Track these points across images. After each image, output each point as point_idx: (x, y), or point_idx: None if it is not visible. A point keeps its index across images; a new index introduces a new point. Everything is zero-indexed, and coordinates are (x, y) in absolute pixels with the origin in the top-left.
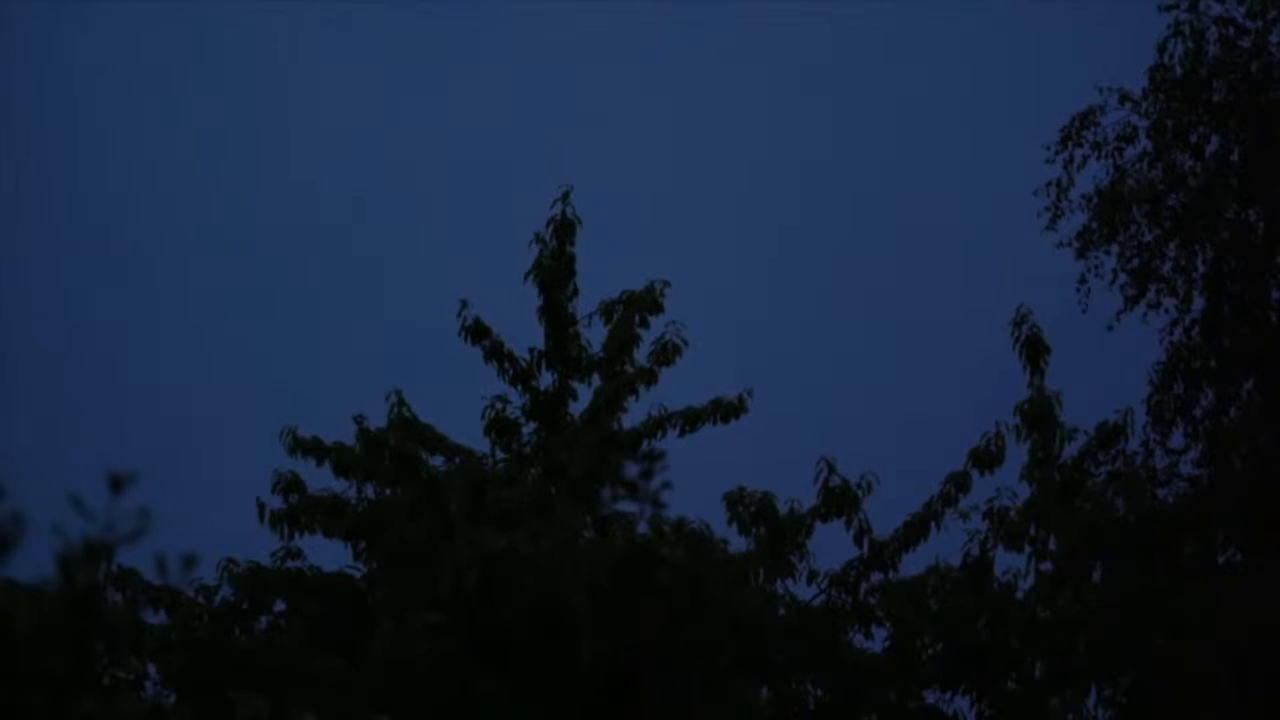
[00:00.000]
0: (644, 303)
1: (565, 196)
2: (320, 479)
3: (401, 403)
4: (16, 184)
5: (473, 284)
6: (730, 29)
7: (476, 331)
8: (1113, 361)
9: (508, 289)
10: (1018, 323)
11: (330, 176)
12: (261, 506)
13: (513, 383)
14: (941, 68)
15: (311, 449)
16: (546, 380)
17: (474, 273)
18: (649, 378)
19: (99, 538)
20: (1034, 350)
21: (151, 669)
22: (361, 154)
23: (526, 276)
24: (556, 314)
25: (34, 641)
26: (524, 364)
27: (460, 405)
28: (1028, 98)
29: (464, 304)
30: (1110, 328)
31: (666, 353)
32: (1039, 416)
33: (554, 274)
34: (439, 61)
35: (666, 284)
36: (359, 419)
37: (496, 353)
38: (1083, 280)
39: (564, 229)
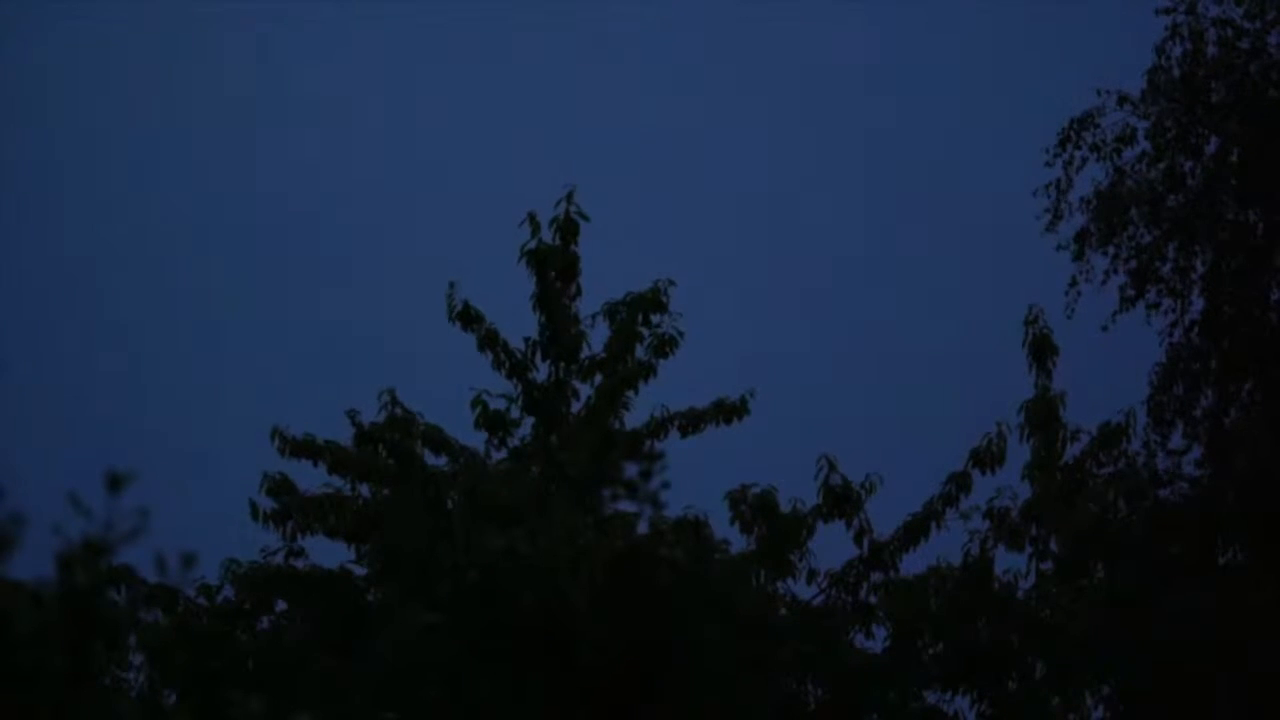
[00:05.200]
0: (648, 303)
1: (569, 196)
2: (317, 478)
3: (394, 401)
4: (15, 184)
5: (473, 284)
6: (730, 29)
7: (466, 317)
8: (1112, 363)
9: (508, 289)
10: (1029, 322)
11: (329, 174)
12: (255, 507)
13: (509, 375)
14: (941, 69)
15: (303, 449)
16: (543, 373)
17: (474, 273)
18: (647, 371)
19: (98, 537)
20: (1041, 350)
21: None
22: (361, 152)
23: (521, 259)
24: (551, 299)
25: (34, 641)
26: (519, 355)
27: (461, 408)
28: (1027, 99)
29: (452, 285)
30: (1105, 328)
31: (664, 345)
32: (1044, 417)
33: (548, 257)
34: (439, 58)
35: (671, 282)
36: (352, 413)
37: (490, 341)
38: (1073, 283)
39: (568, 228)
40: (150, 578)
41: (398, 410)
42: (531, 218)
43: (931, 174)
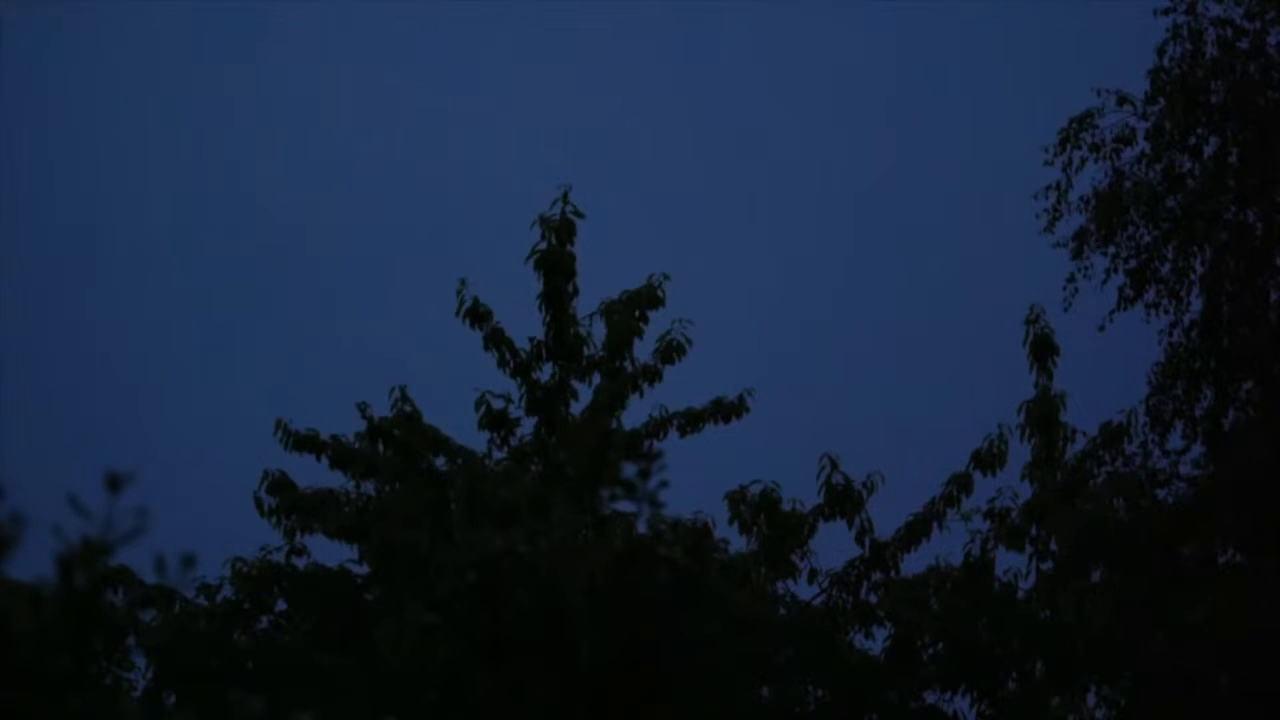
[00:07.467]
0: (644, 299)
1: (565, 197)
2: (318, 475)
3: (405, 399)
4: (9, 183)
5: (473, 285)
6: (730, 28)
7: (475, 314)
8: (1112, 363)
9: (509, 290)
10: (1029, 322)
11: (329, 175)
12: (259, 502)
13: (513, 375)
14: (942, 69)
15: (307, 443)
16: (546, 373)
17: (473, 274)
18: (653, 375)
19: (98, 537)
20: (1042, 350)
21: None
22: (361, 152)
23: (529, 260)
24: (557, 300)
25: (34, 641)
26: (524, 354)
27: (462, 408)
28: (1027, 99)
29: (463, 283)
30: (1101, 328)
31: (671, 350)
32: (1044, 417)
33: (556, 258)
34: (441, 58)
35: (666, 277)
36: (363, 406)
37: (496, 339)
38: (1071, 279)
39: (564, 229)
40: (150, 578)
41: (407, 407)
42: (542, 219)
43: (932, 172)
